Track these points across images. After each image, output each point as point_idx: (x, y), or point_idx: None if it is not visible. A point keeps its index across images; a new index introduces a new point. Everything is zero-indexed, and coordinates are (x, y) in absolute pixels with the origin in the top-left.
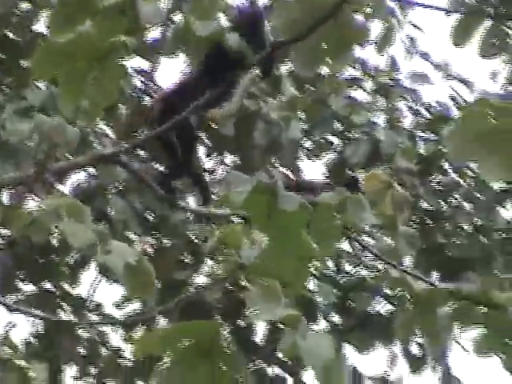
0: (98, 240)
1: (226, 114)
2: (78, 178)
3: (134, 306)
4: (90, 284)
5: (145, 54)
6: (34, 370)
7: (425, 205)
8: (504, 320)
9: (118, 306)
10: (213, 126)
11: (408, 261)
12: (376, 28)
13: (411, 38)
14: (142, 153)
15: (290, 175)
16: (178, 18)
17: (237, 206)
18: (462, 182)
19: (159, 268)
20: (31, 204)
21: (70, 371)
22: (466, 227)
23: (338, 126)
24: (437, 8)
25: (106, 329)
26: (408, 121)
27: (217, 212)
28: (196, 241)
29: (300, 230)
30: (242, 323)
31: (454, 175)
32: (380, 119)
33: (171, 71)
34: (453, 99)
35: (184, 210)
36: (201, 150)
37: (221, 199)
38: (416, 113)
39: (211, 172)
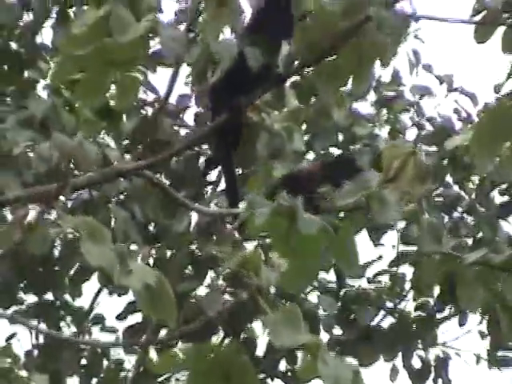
0: (119, 260)
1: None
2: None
3: (136, 318)
4: (92, 296)
5: (147, 65)
6: (35, 381)
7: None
8: None
9: (120, 318)
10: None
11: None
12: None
13: (415, 51)
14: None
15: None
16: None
17: (257, 229)
18: (464, 194)
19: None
20: (47, 221)
21: (71, 382)
22: (467, 240)
23: (340, 137)
24: (445, 20)
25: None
26: (411, 133)
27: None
28: (197, 252)
29: (317, 254)
30: (243, 336)
31: (456, 188)
32: (382, 131)
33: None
34: (456, 112)
35: (199, 211)
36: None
37: (241, 223)
38: (419, 126)
39: (214, 183)
